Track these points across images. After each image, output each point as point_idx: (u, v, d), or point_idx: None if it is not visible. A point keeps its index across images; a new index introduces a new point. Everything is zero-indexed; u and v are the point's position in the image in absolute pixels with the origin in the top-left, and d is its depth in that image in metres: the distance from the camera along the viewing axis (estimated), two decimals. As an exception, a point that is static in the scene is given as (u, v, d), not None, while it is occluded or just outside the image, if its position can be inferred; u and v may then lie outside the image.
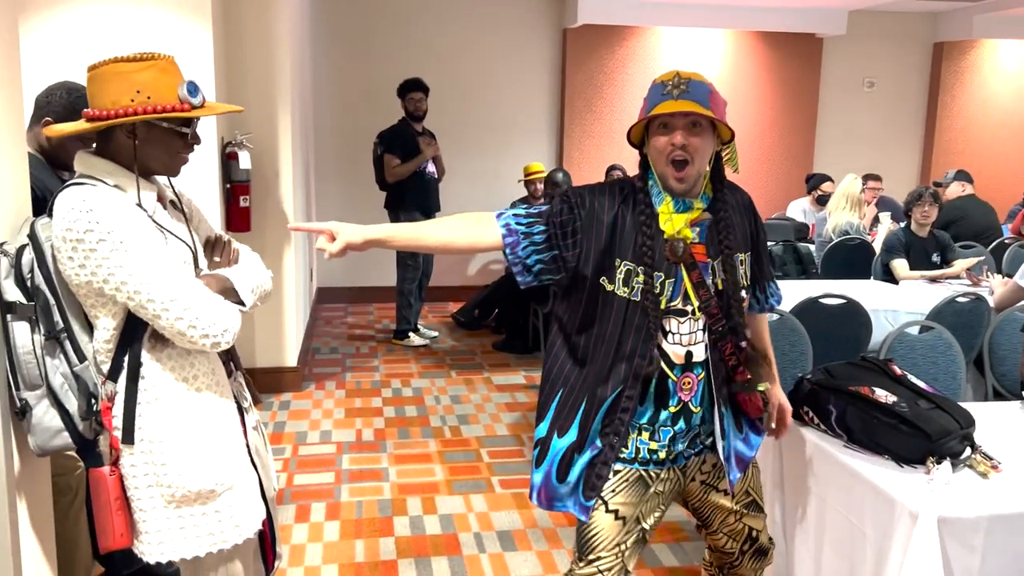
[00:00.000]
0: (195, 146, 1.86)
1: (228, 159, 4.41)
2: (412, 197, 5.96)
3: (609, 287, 1.88)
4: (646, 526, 1.98)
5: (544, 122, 7.77)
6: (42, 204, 1.88)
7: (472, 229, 1.92)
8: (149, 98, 1.73)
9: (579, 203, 1.90)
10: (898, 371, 2.42)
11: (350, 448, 4.22)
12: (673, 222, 1.88)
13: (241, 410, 1.96)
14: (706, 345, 1.93)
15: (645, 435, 1.94)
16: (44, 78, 2.61)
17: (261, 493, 1.96)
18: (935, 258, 5.10)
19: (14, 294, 1.70)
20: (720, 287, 1.92)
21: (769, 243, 5.72)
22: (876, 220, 6.59)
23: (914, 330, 3.46)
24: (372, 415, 4.72)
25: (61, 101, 2.41)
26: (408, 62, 7.23)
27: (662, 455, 1.96)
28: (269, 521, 2.02)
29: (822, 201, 6.63)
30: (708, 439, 2.02)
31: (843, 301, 3.84)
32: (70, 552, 2.35)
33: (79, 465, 2.35)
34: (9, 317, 1.70)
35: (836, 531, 2.25)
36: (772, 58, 7.99)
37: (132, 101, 1.72)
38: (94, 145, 1.84)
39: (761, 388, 2.00)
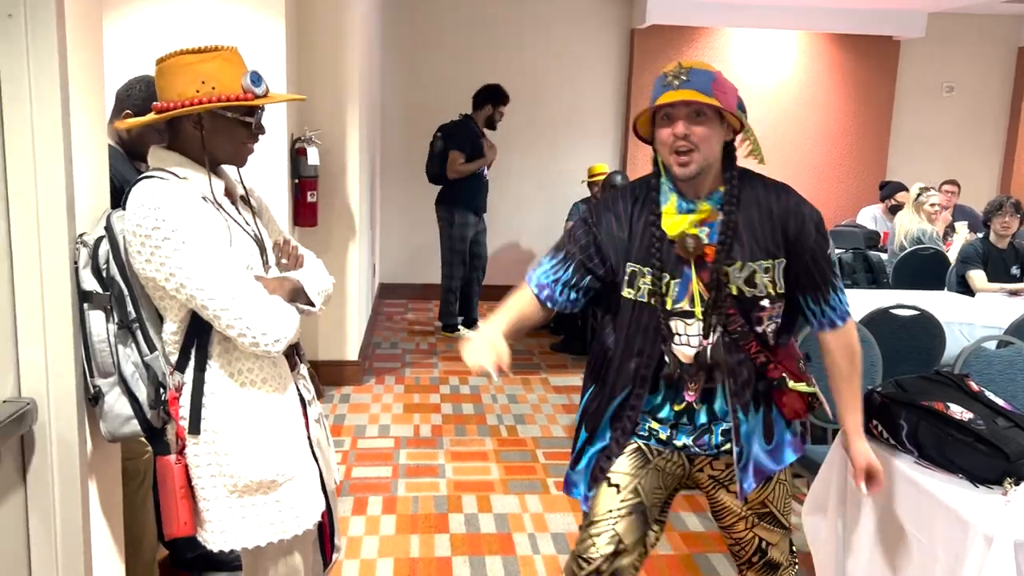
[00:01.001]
0: (260, 136, 1.88)
1: (297, 154, 4.48)
2: (468, 196, 6.03)
3: (621, 289, 1.92)
4: (644, 499, 1.96)
5: (609, 122, 7.72)
6: (122, 195, 1.93)
7: (526, 307, 1.98)
8: (214, 88, 1.75)
9: (595, 223, 1.95)
10: (975, 387, 2.33)
11: (407, 443, 4.26)
12: (675, 223, 1.85)
13: (304, 403, 1.98)
14: (718, 346, 1.87)
15: (653, 423, 1.97)
16: (124, 72, 2.68)
17: (322, 485, 1.98)
18: (1015, 270, 4.91)
19: (91, 284, 1.75)
20: (735, 291, 1.86)
21: (838, 251, 5.65)
22: (951, 229, 6.38)
23: (991, 345, 3.32)
24: (430, 411, 4.75)
25: (141, 94, 2.46)
26: (475, 60, 7.26)
27: (663, 436, 1.96)
28: (329, 513, 2.04)
29: (895, 211, 6.45)
30: (727, 444, 1.95)
31: (916, 312, 3.71)
32: (137, 534, 2.42)
33: (147, 450, 2.41)
34: (86, 306, 1.75)
35: (904, 551, 2.17)
36: (846, 61, 7.79)
37: (197, 92, 1.75)
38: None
39: (800, 389, 1.92)
